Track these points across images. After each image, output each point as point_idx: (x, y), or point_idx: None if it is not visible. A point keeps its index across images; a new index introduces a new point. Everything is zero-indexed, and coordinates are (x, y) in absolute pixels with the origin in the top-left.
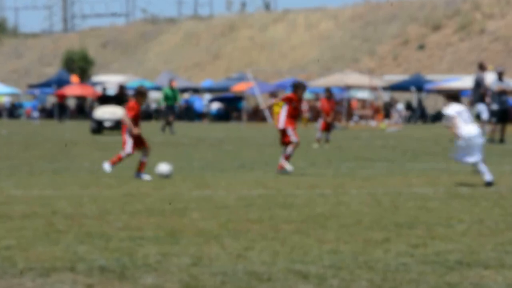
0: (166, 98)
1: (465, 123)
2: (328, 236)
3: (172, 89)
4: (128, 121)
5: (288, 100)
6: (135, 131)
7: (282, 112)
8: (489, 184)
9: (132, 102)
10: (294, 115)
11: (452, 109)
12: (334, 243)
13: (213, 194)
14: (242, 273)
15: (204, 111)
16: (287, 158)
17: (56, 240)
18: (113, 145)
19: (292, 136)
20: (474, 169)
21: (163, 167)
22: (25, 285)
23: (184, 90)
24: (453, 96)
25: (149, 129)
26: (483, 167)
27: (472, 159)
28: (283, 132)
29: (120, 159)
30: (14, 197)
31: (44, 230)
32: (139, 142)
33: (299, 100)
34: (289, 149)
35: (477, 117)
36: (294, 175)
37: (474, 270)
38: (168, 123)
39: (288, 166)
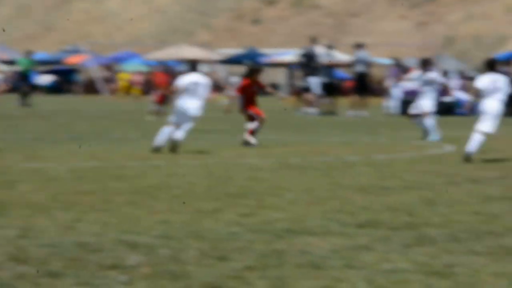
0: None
1: None
2: (159, 207)
3: (27, 58)
4: None
5: (243, 90)
6: None
7: (242, 102)
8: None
9: None
10: (254, 99)
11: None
12: (165, 213)
13: (44, 166)
14: (71, 244)
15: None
16: (252, 132)
17: None
18: None
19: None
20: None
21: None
22: None
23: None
24: None
25: None
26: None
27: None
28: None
29: None
30: None
31: None
32: None
33: (256, 82)
34: (254, 124)
35: (307, 90)
36: (127, 147)
37: (300, 237)
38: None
39: (253, 140)
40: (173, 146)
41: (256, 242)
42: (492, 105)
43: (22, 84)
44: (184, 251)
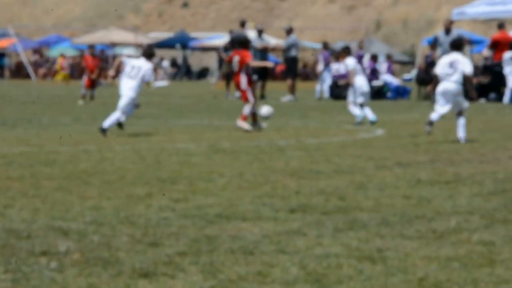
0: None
1: None
2: (90, 192)
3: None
4: None
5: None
6: None
7: (243, 76)
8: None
9: None
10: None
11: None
12: (96, 199)
13: None
14: (0, 230)
15: None
16: (244, 118)
17: None
18: None
19: (251, 97)
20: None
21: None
22: None
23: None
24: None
25: None
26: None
27: None
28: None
29: None
30: None
31: None
32: None
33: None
34: (246, 108)
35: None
36: (57, 132)
37: (232, 222)
38: None
39: (246, 126)
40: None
41: (188, 228)
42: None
43: None
44: (115, 237)
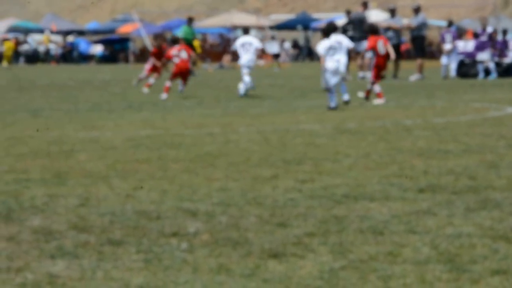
0: (186, 35)
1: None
2: (216, 174)
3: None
4: None
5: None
6: None
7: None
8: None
9: None
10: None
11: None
12: (222, 181)
13: (100, 135)
14: (130, 212)
15: (90, 53)
16: (380, 96)
17: None
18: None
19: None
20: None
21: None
22: None
23: (68, 33)
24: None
25: (38, 71)
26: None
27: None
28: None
29: None
30: None
31: None
32: None
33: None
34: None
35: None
36: (182, 115)
37: (360, 203)
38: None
39: (380, 101)
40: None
41: (315, 208)
42: None
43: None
44: (243, 218)
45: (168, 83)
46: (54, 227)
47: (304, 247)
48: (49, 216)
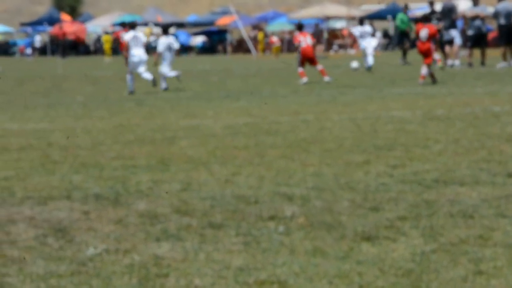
0: (402, 23)
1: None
2: (311, 160)
3: (405, 14)
4: None
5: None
6: None
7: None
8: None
9: None
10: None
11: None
12: (317, 166)
13: (201, 123)
14: (230, 197)
15: (190, 44)
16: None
17: (52, 170)
18: (103, 79)
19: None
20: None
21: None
22: (24, 213)
23: (169, 25)
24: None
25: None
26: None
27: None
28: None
29: None
30: (10, 130)
31: (40, 161)
32: None
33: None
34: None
35: (450, 43)
36: (277, 103)
37: (450, 187)
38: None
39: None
40: None
41: (406, 193)
42: None
43: (403, 41)
44: (337, 202)
45: (300, 69)
46: (158, 211)
47: (396, 231)
48: (154, 200)
